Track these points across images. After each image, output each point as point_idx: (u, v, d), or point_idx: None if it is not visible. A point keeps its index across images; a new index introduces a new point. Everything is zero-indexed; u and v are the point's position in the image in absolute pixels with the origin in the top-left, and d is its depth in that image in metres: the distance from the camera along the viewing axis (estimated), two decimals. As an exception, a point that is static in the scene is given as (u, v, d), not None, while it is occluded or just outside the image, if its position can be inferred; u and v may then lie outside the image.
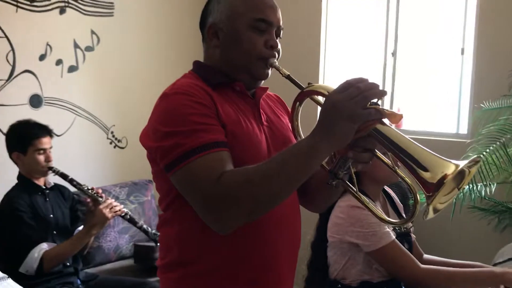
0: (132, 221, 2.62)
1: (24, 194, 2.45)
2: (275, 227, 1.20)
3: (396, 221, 1.23)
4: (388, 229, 1.75)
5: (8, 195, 2.46)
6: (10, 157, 2.50)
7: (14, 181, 2.51)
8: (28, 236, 2.37)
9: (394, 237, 1.76)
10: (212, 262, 1.17)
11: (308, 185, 1.21)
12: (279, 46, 1.22)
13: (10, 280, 2.07)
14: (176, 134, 1.08)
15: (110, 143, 3.42)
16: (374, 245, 1.73)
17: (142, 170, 3.13)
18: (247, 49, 1.19)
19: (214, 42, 1.23)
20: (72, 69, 3.17)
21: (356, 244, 1.76)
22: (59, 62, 3.11)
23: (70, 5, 3.13)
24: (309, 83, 1.16)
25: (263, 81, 1.26)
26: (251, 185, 1.02)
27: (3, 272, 2.09)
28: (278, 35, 1.23)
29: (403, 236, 1.86)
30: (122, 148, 3.47)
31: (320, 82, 3.50)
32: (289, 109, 1.27)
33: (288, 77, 1.18)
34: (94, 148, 3.33)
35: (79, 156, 3.22)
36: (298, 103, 1.19)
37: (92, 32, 3.26)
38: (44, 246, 2.39)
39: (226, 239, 1.10)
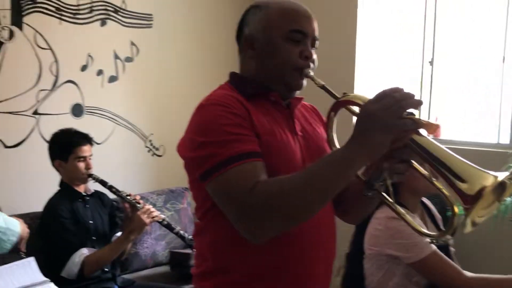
0: (169, 227, 2.66)
1: (65, 200, 2.52)
2: (310, 237, 1.19)
3: (434, 233, 1.20)
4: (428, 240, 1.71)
5: (50, 202, 2.53)
6: (53, 164, 2.57)
7: (56, 187, 2.59)
8: (69, 242, 2.43)
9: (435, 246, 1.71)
10: (247, 272, 1.17)
11: (343, 195, 1.20)
12: (315, 56, 1.23)
13: (51, 284, 2.13)
14: (211, 144, 1.09)
15: (148, 151, 3.49)
16: (416, 256, 1.68)
17: (178, 178, 3.17)
18: (282, 60, 1.20)
19: (249, 53, 1.24)
20: (112, 79, 3.26)
21: (395, 256, 1.72)
22: (100, 72, 3.19)
23: (110, 17, 3.22)
24: (344, 93, 1.15)
25: (298, 91, 1.26)
26: (285, 195, 1.02)
27: (45, 276, 2.16)
28: (313, 46, 1.23)
29: (441, 249, 1.80)
30: (160, 156, 3.53)
31: (356, 92, 3.47)
32: (324, 119, 1.27)
33: (323, 87, 1.18)
34: (132, 156, 3.40)
35: (118, 164, 3.30)
36: (333, 113, 1.19)
37: (132, 44, 3.34)
38: (85, 251, 2.44)
39: (260, 249, 1.10)
